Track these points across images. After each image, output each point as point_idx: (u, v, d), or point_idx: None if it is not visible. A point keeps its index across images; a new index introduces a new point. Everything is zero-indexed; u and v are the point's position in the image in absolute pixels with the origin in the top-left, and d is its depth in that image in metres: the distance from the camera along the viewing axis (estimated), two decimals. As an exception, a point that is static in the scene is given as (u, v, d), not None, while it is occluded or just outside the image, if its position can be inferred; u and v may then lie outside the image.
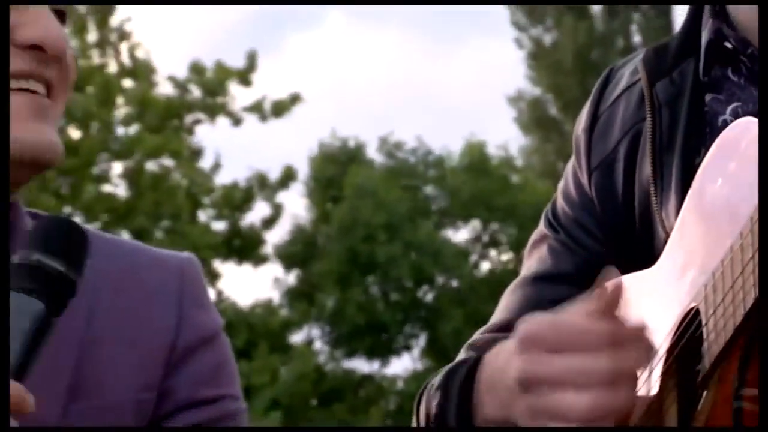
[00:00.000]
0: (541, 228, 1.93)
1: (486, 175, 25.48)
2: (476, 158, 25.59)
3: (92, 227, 1.90)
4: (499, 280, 23.26)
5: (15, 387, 1.41)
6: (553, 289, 1.87)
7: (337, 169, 25.41)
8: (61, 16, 1.71)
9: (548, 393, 1.52)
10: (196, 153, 20.55)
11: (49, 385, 1.62)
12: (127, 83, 19.71)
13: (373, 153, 26.36)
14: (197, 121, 20.19)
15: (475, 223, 26.23)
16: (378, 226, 24.16)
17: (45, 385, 1.57)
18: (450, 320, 23.94)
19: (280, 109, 19.87)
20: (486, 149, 25.94)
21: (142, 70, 19.66)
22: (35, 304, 1.48)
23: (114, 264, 1.76)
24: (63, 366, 1.66)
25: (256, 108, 19.92)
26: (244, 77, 19.92)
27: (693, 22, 1.81)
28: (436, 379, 1.87)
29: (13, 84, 1.64)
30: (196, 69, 19.99)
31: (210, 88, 19.87)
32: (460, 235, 26.42)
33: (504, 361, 1.63)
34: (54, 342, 1.58)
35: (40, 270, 1.48)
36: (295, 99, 19.98)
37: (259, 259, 22.96)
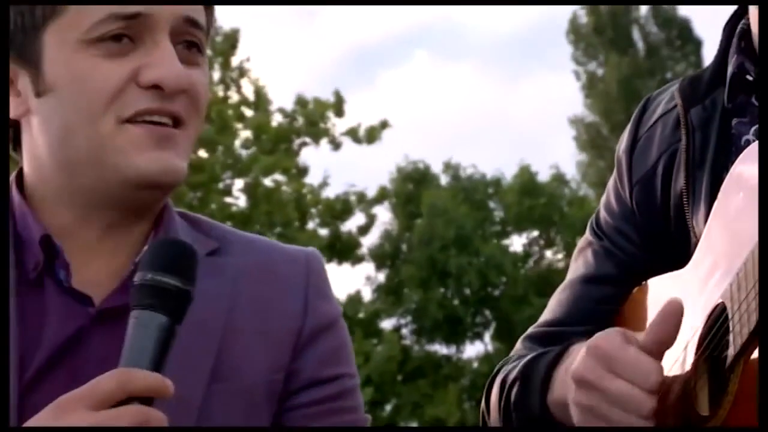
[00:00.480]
0: (586, 236, 1.89)
1: (535, 194, 25.38)
2: (526, 179, 25.44)
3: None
4: (552, 278, 23.31)
5: (154, 376, 1.40)
6: (597, 288, 1.85)
7: (413, 188, 25.44)
8: (200, 49, 1.65)
9: (588, 394, 1.54)
10: (303, 171, 20.43)
11: (194, 369, 1.59)
12: (247, 112, 19.70)
13: (444, 173, 26.37)
14: (304, 144, 20.06)
15: (533, 232, 26.15)
16: (450, 240, 24.15)
17: (190, 369, 1.56)
18: (520, 312, 23.58)
19: (372, 135, 19.78)
20: (532, 171, 25.73)
21: (262, 102, 19.61)
22: (158, 318, 1.44)
23: (250, 259, 1.72)
24: (207, 352, 1.62)
25: (351, 133, 19.82)
26: (338, 109, 19.88)
27: (722, 57, 1.76)
28: (512, 373, 1.83)
29: (138, 119, 1.58)
30: (300, 102, 19.94)
31: (312, 118, 19.80)
32: (519, 241, 26.31)
33: (574, 358, 1.62)
34: (199, 331, 1.58)
35: (157, 288, 1.45)
36: (384, 125, 19.88)
37: (356, 259, 22.88)
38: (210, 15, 1.68)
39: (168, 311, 1.44)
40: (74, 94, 1.57)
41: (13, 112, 1.63)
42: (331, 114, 19.85)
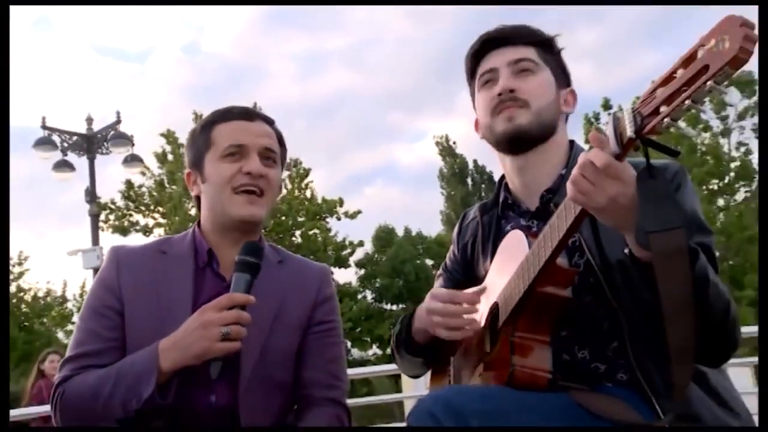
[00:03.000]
0: (440, 269, 1.72)
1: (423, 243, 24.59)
2: (413, 240, 24.92)
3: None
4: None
5: (245, 295, 1.27)
6: None
7: (384, 237, 24.73)
8: (274, 160, 1.47)
9: (434, 318, 1.41)
10: (329, 230, 19.56)
11: (265, 312, 1.40)
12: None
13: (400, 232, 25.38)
14: (325, 216, 19.44)
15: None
16: (402, 259, 23.79)
17: (264, 311, 1.38)
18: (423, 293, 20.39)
19: (354, 215, 19.29)
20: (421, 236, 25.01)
21: (313, 199, 18.72)
22: (245, 276, 1.30)
23: (298, 268, 1.54)
24: (272, 306, 1.43)
25: (345, 213, 19.28)
26: (341, 203, 19.32)
27: (497, 192, 1.60)
28: (396, 322, 1.63)
29: (241, 189, 1.42)
30: (324, 200, 19.31)
31: (330, 207, 19.32)
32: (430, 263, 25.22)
33: (425, 302, 1.49)
34: (270, 294, 1.42)
35: (243, 262, 1.32)
36: (358, 212, 19.30)
37: (346, 267, 21.19)
38: (282, 144, 1.52)
39: (249, 272, 1.31)
40: (215, 181, 1.45)
41: (195, 192, 1.49)
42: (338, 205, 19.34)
